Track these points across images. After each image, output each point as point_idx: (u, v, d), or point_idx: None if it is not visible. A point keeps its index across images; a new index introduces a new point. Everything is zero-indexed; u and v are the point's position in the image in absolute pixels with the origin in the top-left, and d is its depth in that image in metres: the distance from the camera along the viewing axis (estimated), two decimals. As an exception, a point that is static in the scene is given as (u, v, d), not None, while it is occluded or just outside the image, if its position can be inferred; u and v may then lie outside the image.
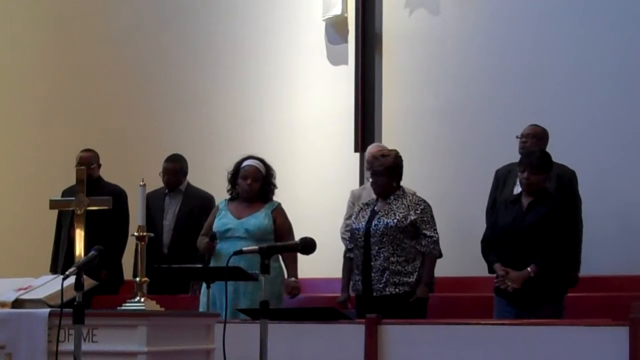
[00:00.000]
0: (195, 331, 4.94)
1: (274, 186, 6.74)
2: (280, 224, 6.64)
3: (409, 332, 5.61)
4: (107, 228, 7.58)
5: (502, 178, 7.17)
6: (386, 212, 6.49)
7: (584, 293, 6.84)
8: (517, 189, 6.84)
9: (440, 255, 6.56)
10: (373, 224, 6.46)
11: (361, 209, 6.68)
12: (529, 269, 6.17)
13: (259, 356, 4.10)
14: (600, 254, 7.55)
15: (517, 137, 7.12)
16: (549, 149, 6.80)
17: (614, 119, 7.82)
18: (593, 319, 5.50)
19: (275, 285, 6.53)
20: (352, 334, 5.62)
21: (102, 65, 9.88)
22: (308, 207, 8.30)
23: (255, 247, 4.39)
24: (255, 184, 6.63)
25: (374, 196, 7.32)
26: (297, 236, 4.36)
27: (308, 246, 4.31)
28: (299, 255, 4.19)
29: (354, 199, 7.59)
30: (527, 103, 8.10)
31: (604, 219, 7.65)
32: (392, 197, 6.54)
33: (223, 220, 6.66)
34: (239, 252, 4.31)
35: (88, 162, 8.02)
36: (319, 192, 8.19)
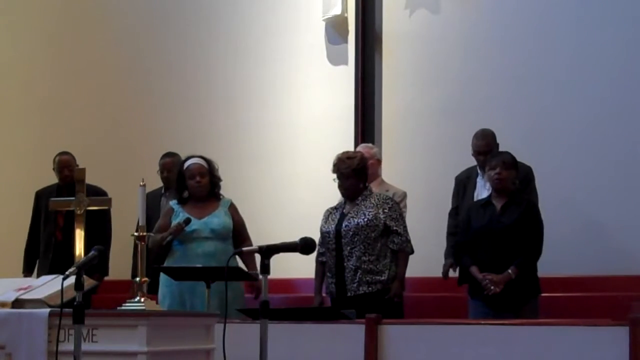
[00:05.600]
0: (195, 331, 4.95)
1: (220, 179, 6.83)
2: (237, 220, 6.80)
3: (409, 332, 5.61)
4: (92, 229, 7.54)
5: (462, 184, 7.17)
6: (355, 212, 6.57)
7: (584, 293, 6.84)
8: (478, 194, 6.86)
9: (412, 252, 6.61)
10: (343, 225, 6.55)
11: (330, 212, 6.77)
12: (509, 270, 6.17)
13: (259, 356, 4.10)
14: (600, 254, 7.55)
15: (472, 155, 7.07)
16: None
17: (614, 118, 7.81)
18: (593, 319, 5.49)
19: (236, 286, 6.61)
20: (352, 334, 5.62)
21: (101, 66, 9.87)
22: (308, 207, 8.28)
23: (255, 247, 4.40)
24: (203, 179, 6.72)
25: None
26: (297, 236, 4.35)
27: (308, 246, 4.32)
28: (298, 255, 4.19)
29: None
30: (527, 103, 8.10)
31: (602, 219, 7.66)
32: (360, 198, 6.63)
33: None
34: (239, 252, 4.30)
35: (69, 164, 8.02)
36: (318, 192, 8.17)
